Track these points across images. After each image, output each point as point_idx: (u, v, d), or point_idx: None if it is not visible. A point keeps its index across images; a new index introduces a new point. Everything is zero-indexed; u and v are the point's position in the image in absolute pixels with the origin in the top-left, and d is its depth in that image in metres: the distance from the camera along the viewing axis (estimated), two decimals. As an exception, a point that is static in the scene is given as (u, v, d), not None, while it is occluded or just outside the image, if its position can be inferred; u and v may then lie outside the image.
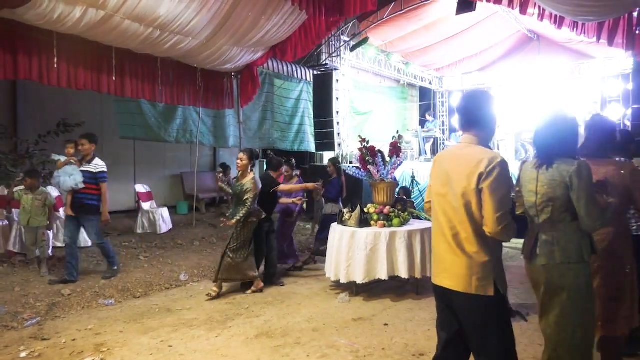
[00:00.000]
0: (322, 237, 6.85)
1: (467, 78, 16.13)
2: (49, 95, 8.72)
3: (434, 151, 14.34)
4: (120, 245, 7.55)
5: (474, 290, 2.31)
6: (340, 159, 12.09)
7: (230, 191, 5.48)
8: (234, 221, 5.15)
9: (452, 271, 2.38)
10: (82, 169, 5.60)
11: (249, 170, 5.30)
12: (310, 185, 6.26)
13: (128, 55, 7.04)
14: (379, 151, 5.55)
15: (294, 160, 6.97)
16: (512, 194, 2.46)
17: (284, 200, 6.19)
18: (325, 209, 6.98)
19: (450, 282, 2.39)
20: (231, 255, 5.22)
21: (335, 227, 5.38)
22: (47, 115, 8.57)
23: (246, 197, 5.19)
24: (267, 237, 5.69)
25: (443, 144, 16.36)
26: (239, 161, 5.29)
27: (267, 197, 5.62)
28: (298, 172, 7.23)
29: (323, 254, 6.91)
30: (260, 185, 5.34)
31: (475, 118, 2.44)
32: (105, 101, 8.98)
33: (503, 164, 2.30)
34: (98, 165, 5.67)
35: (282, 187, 5.95)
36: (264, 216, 5.47)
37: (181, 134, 9.82)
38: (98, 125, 9.39)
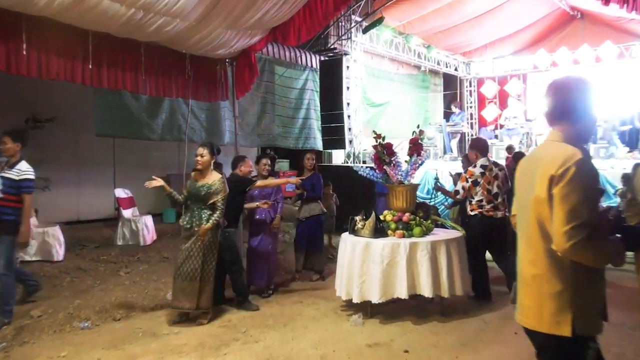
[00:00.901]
0: (302, 248, 6.94)
1: (498, 63, 16.06)
2: (17, 87, 8.77)
3: (461, 148, 14.27)
4: (97, 259, 7.57)
5: (545, 328, 2.15)
6: (352, 158, 12.07)
7: (180, 198, 5.24)
8: (209, 225, 4.99)
9: (523, 302, 2.27)
10: (1, 174, 5.04)
11: (212, 168, 5.24)
12: (292, 180, 6.22)
13: (107, 41, 7.05)
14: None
15: (271, 152, 7.03)
16: (615, 202, 2.30)
17: (248, 205, 6.07)
18: (302, 212, 6.97)
19: (521, 315, 2.27)
20: (191, 275, 5.06)
21: (345, 238, 5.35)
22: (13, 110, 8.63)
23: (215, 199, 5.07)
24: (234, 252, 5.60)
25: (471, 140, 16.27)
26: (199, 157, 5.14)
27: (234, 202, 5.50)
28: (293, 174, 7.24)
29: (315, 267, 6.96)
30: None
31: (562, 109, 2.25)
32: (83, 93, 9.02)
33: (581, 164, 2.08)
34: (22, 171, 5.03)
35: (260, 182, 5.92)
36: (225, 224, 5.41)
37: (167, 131, 9.84)
38: (73, 120, 9.45)
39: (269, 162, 6.51)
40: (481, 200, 5.76)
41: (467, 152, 5.95)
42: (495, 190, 5.77)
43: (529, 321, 2.23)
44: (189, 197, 5.16)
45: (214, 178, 5.16)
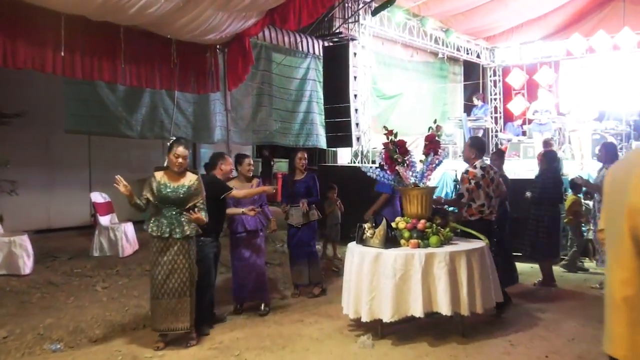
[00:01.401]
0: (303, 258, 6.96)
1: (527, 49, 16.06)
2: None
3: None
4: (71, 272, 7.58)
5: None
6: (359, 157, 12.08)
7: (141, 204, 5.13)
8: (202, 217, 5.03)
9: (613, 329, 2.22)
10: None
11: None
12: (267, 188, 6.11)
13: (82, 25, 7.08)
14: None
15: (267, 151, 6.99)
16: None
17: (231, 210, 6.04)
18: (296, 217, 6.94)
19: (611, 344, 2.22)
20: (180, 291, 5.03)
21: (353, 248, 5.35)
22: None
23: (196, 201, 5.09)
24: (206, 265, 5.53)
25: (496, 136, 16.29)
26: (180, 160, 5.10)
27: (214, 207, 5.45)
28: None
29: (316, 279, 6.98)
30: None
31: None
32: (56, 85, 9.03)
33: None
34: None
35: (236, 192, 5.87)
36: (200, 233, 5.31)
37: (147, 127, 9.87)
38: (44, 116, 9.46)
39: (252, 162, 6.50)
40: (483, 205, 5.88)
41: (473, 149, 6.01)
42: (491, 194, 5.96)
43: (620, 351, 2.17)
44: (161, 202, 5.06)
45: (191, 178, 5.17)
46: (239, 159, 6.44)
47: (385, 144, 5.60)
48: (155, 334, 5.23)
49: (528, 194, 7.48)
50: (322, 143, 12.32)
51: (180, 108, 10.05)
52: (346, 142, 11.71)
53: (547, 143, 11.22)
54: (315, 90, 12.43)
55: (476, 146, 6.11)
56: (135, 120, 9.67)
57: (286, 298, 6.95)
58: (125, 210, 10.77)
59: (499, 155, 7.73)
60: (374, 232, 5.27)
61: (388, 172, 5.64)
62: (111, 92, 9.31)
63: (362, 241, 5.34)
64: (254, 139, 11.84)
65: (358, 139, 11.85)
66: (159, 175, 5.15)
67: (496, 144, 16.09)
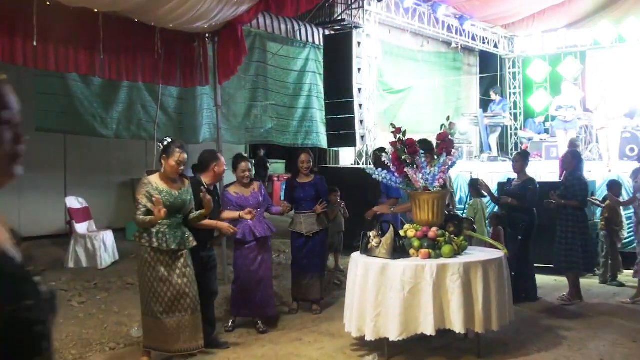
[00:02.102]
0: (316, 270, 6.97)
1: (550, 38, 16.08)
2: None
3: (503, 146, 14.29)
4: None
5: None
6: (364, 158, 12.09)
7: (147, 219, 4.97)
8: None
9: None
10: None
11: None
12: (223, 225, 5.72)
13: (56, 12, 7.09)
14: (424, 142, 5.53)
15: (263, 151, 6.96)
16: None
17: (227, 214, 6.01)
18: (305, 225, 6.92)
19: None
20: (193, 306, 5.05)
21: (356, 259, 5.35)
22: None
23: (192, 207, 5.22)
24: (209, 276, 5.62)
25: (515, 135, 16.30)
26: (182, 167, 5.14)
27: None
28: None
29: (313, 296, 6.97)
30: None
31: None
32: (27, 78, 9.05)
33: None
34: None
35: (227, 214, 5.97)
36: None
37: (124, 126, 9.87)
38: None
39: (250, 166, 6.46)
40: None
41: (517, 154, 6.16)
42: None
43: None
44: (168, 210, 4.98)
45: (185, 181, 5.26)
46: (235, 162, 6.40)
47: (392, 144, 5.60)
48: (137, 352, 5.22)
49: (552, 199, 7.45)
50: (323, 142, 12.33)
51: (161, 104, 10.04)
52: (349, 141, 11.72)
53: (572, 143, 11.22)
54: (315, 83, 12.44)
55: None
56: (111, 118, 9.68)
57: (283, 314, 6.94)
58: (104, 217, 10.82)
59: (521, 157, 7.74)
60: (380, 241, 5.27)
61: (396, 174, 5.64)
62: (85, 87, 9.32)
63: (367, 251, 5.34)
64: (248, 138, 11.84)
65: (362, 137, 11.86)
66: (155, 181, 5.08)
67: (515, 144, 16.11)
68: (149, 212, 4.95)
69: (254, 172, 6.52)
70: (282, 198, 7.47)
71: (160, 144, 5.23)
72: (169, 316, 4.99)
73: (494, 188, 8.68)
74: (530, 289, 7.37)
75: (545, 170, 10.88)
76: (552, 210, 7.43)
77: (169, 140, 5.23)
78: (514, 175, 7.76)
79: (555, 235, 7.42)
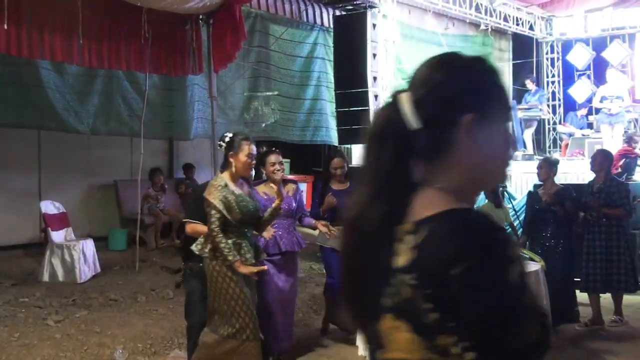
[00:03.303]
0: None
1: (593, 19, 15.98)
2: None
3: (539, 143, 14.22)
4: (15, 302, 7.61)
5: None
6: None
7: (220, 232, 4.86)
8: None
9: None
10: None
11: None
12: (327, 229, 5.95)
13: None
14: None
15: (264, 150, 6.73)
16: None
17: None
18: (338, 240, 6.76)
19: None
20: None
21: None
22: None
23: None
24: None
25: (554, 130, 16.22)
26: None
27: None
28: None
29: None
30: None
31: None
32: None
33: None
34: None
35: (266, 234, 5.76)
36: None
37: (101, 120, 9.90)
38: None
39: (281, 159, 6.12)
40: None
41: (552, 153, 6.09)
42: None
43: None
44: (245, 219, 4.94)
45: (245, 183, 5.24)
46: (262, 156, 6.05)
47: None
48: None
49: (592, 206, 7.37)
50: (333, 138, 12.31)
51: (142, 95, 10.00)
52: (363, 137, 11.68)
53: (631, 139, 11.10)
54: (324, 71, 12.43)
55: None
56: (86, 111, 9.70)
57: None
58: (83, 223, 10.83)
59: (546, 163, 7.67)
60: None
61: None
62: (58, 76, 9.35)
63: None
64: (248, 134, 11.84)
65: (378, 133, 11.81)
66: (231, 184, 4.98)
67: (554, 140, 16.03)
68: (225, 222, 4.82)
69: (254, 173, 6.37)
70: (311, 207, 7.09)
71: (221, 142, 5.13)
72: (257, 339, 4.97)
73: (527, 190, 8.62)
74: (570, 309, 7.32)
75: (588, 170, 10.79)
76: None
77: (230, 134, 5.15)
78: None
79: (588, 249, 7.38)
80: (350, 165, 6.96)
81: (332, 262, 6.61)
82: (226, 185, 4.89)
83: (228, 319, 4.88)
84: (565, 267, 7.26)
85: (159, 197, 11.22)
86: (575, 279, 7.51)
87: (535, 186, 8.11)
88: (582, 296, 7.46)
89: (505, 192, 9.56)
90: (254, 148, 5.06)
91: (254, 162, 5.06)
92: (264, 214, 5.20)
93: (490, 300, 1.18)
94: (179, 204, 11.92)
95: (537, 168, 7.70)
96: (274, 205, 5.17)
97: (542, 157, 9.12)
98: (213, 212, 4.77)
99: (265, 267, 5.14)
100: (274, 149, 6.51)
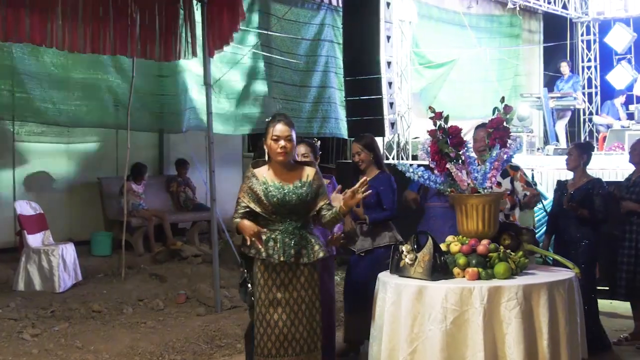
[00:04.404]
0: (360, 301, 6.62)
1: (634, -4, 15.97)
2: None
3: (573, 135, 14.20)
4: (-12, 313, 7.67)
5: None
6: (394, 151, 12.05)
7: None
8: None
9: None
10: None
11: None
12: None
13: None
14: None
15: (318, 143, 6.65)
16: None
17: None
18: (358, 240, 6.77)
19: None
20: (307, 345, 4.95)
21: (385, 281, 5.34)
22: None
23: (323, 202, 5.02)
24: None
25: (590, 120, 16.18)
26: (282, 143, 4.87)
27: None
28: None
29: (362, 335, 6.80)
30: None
31: None
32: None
33: None
34: None
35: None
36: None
37: (84, 111, 9.92)
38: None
39: (308, 150, 6.14)
40: None
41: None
42: None
43: None
44: (279, 210, 4.93)
45: (308, 171, 5.05)
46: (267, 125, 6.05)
47: (431, 132, 5.59)
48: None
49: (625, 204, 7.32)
50: (343, 131, 12.34)
51: (129, 83, 10.03)
52: (376, 129, 11.68)
53: None
54: (332, 56, 12.45)
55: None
56: (67, 101, 9.72)
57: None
58: (63, 226, 10.87)
59: (577, 149, 7.53)
60: (416, 257, 5.25)
61: (436, 171, 5.63)
62: (34, 61, 9.37)
63: (399, 270, 5.32)
64: (247, 126, 11.87)
65: (393, 125, 11.85)
66: (263, 173, 5.00)
67: (590, 132, 16.02)
68: (250, 213, 4.90)
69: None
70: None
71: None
72: (279, 356, 4.86)
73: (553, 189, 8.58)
74: (598, 335, 7.03)
75: (628, 165, 10.78)
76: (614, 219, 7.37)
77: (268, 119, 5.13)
78: (570, 175, 7.58)
79: (619, 251, 7.36)
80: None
81: (352, 262, 6.81)
82: (254, 175, 4.94)
83: (267, 332, 4.89)
84: (587, 283, 6.90)
85: (140, 192, 11.24)
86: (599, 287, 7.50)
87: (563, 181, 7.92)
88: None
89: (536, 188, 9.54)
90: (278, 127, 4.90)
91: (282, 143, 4.87)
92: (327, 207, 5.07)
93: None
94: (170, 205, 11.98)
95: (567, 154, 7.60)
96: (337, 209, 5.01)
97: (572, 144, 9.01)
98: (238, 205, 4.93)
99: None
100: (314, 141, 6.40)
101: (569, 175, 7.81)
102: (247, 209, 4.90)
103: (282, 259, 4.86)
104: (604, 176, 9.40)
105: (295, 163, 5.08)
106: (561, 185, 7.52)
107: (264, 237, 4.87)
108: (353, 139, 7.62)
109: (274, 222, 4.94)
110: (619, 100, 15.22)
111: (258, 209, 4.90)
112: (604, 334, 7.12)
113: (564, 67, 14.56)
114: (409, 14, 12.48)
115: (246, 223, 4.82)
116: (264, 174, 4.96)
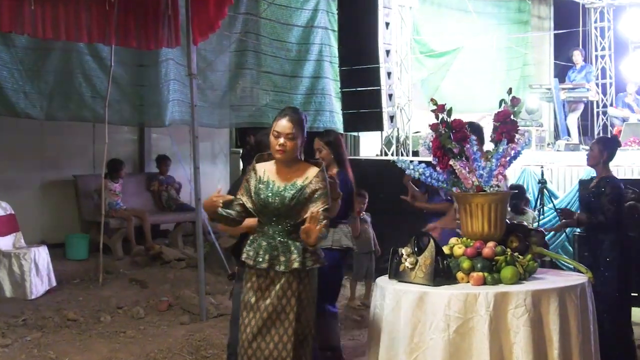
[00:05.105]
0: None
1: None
2: None
3: (586, 129, 14.22)
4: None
5: None
6: (394, 147, 12.05)
7: (232, 214, 4.95)
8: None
9: None
10: None
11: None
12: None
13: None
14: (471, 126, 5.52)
15: (252, 137, 6.71)
16: None
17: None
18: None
19: None
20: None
21: (384, 286, 5.34)
22: None
23: (318, 208, 4.83)
24: None
25: (604, 113, 16.21)
26: (282, 140, 4.82)
27: None
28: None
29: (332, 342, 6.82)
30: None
31: None
32: None
33: None
34: None
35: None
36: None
37: (59, 103, 9.90)
38: None
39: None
40: None
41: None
42: None
43: None
44: (260, 211, 4.95)
45: (308, 173, 4.98)
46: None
47: (432, 126, 5.60)
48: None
49: None
50: (338, 124, 12.33)
51: (114, 74, 10.01)
52: (374, 123, 11.73)
53: None
54: (327, 44, 12.44)
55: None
56: (40, 92, 9.70)
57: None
58: (36, 228, 10.85)
59: (599, 144, 7.51)
60: (417, 261, 5.26)
61: (438, 169, 5.63)
62: (5, 49, 9.35)
63: (399, 274, 5.33)
64: (233, 119, 11.88)
65: (392, 118, 11.86)
66: (265, 167, 5.01)
67: (604, 126, 16.03)
68: (244, 210, 4.94)
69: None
70: None
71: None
72: None
73: (572, 188, 8.60)
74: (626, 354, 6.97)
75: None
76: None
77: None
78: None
79: None
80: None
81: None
82: (253, 169, 4.98)
83: (241, 335, 4.94)
84: (617, 280, 6.92)
85: (117, 191, 11.23)
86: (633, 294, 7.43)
87: (591, 178, 7.86)
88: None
89: (545, 189, 9.59)
90: (281, 123, 4.85)
91: (281, 141, 4.82)
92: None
93: None
94: (151, 204, 11.96)
95: (589, 150, 7.45)
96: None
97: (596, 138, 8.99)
98: (235, 197, 4.97)
99: None
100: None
101: (573, 176, 7.80)
102: (240, 202, 4.93)
103: (251, 262, 4.88)
104: (619, 174, 9.38)
105: (302, 161, 5.03)
106: (584, 185, 7.50)
107: (251, 236, 4.93)
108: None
109: (261, 224, 4.97)
110: (630, 88, 15.05)
111: (249, 205, 4.93)
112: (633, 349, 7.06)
113: (577, 56, 14.53)
114: (409, 0, 12.50)
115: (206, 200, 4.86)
116: (266, 169, 4.98)
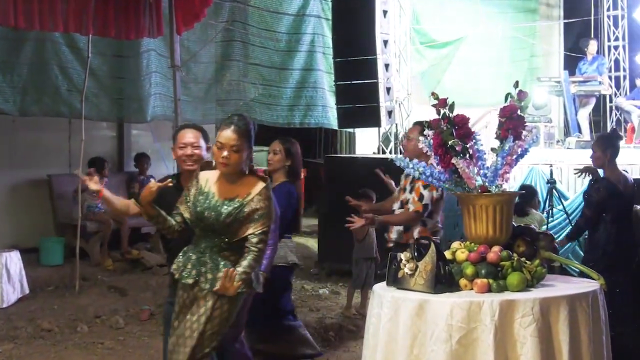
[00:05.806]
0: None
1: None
2: None
3: (598, 125, 14.25)
4: None
5: None
6: (392, 144, 12.07)
7: (174, 224, 5.01)
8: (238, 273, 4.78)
9: None
10: None
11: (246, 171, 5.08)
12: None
13: None
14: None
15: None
16: None
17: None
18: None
19: None
20: None
21: (381, 294, 5.35)
22: None
23: (255, 229, 4.93)
24: None
25: (616, 108, 16.24)
26: (225, 153, 4.89)
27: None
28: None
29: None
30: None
31: None
32: None
33: None
34: None
35: None
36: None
37: (33, 98, 9.92)
38: None
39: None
40: (438, 222, 6.79)
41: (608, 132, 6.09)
42: None
43: None
44: (197, 224, 4.99)
45: (252, 188, 5.01)
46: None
47: (434, 122, 5.60)
48: None
49: None
50: (332, 120, 12.36)
51: (92, 66, 10.02)
52: (370, 118, 11.75)
53: None
54: (320, 33, 12.47)
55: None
56: (12, 85, 9.70)
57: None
58: (7, 231, 10.84)
59: (601, 143, 7.59)
60: (416, 267, 5.26)
61: (440, 167, 5.64)
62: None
63: (397, 281, 5.34)
64: (218, 114, 11.88)
65: (390, 113, 11.87)
66: (205, 177, 5.06)
67: (617, 122, 16.06)
68: (184, 221, 4.99)
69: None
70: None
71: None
72: None
73: (583, 189, 8.62)
74: None
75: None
76: None
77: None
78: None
79: None
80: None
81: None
82: (196, 178, 5.02)
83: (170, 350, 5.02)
84: (631, 284, 7.08)
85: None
86: None
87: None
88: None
89: (555, 190, 9.61)
90: (224, 134, 4.92)
91: (225, 154, 4.87)
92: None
93: None
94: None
95: (593, 151, 7.58)
96: None
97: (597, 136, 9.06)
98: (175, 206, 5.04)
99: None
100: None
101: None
102: (179, 213, 5.00)
103: (177, 276, 4.95)
104: (634, 172, 9.40)
105: (247, 175, 5.06)
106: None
107: (184, 249, 5.00)
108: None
109: (197, 236, 5.00)
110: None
111: (186, 215, 4.97)
112: None
113: (592, 46, 14.45)
114: (408, -15, 12.53)
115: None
116: (209, 179, 5.02)
